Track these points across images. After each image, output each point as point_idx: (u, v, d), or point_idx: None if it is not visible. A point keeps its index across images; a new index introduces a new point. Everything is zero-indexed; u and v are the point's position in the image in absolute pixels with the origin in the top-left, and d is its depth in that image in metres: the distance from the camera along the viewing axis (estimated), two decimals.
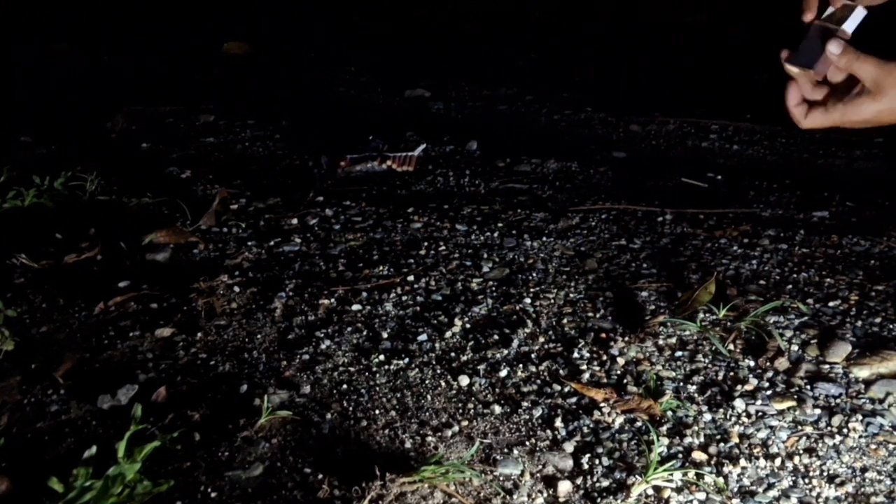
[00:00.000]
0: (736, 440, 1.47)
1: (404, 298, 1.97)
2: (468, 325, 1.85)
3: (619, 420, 1.52)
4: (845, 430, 1.49)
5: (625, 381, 1.64)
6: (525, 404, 1.57)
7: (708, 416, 1.53)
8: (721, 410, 1.55)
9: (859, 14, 1.01)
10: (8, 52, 4.92)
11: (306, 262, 2.16)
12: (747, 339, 1.79)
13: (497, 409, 1.55)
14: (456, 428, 1.49)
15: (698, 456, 1.42)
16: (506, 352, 1.74)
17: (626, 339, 1.78)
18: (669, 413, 1.54)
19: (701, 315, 1.87)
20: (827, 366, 1.70)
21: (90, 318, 1.87)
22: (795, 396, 1.59)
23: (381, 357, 1.71)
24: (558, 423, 1.51)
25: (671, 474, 1.36)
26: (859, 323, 1.85)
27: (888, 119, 1.00)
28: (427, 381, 1.64)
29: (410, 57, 4.97)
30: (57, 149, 3.15)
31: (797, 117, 1.05)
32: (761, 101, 3.74)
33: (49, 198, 2.50)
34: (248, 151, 3.21)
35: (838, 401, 1.58)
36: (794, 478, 1.38)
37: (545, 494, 1.34)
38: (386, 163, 2.95)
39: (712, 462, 1.41)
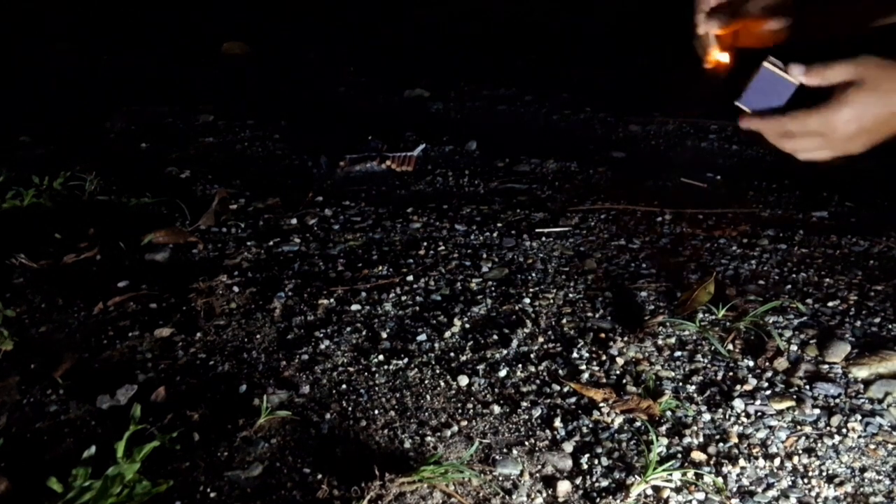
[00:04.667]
0: (735, 440, 1.47)
1: (403, 298, 1.97)
2: (467, 325, 1.85)
3: (619, 420, 1.52)
4: (844, 430, 1.49)
5: (624, 381, 1.64)
6: (524, 404, 1.57)
7: (707, 416, 1.53)
8: (720, 410, 1.55)
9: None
10: (8, 53, 4.92)
11: (305, 263, 2.16)
12: (746, 339, 1.79)
13: (496, 409, 1.55)
14: (455, 428, 1.49)
15: (697, 456, 1.43)
16: (505, 352, 1.74)
17: (626, 339, 1.78)
18: (668, 413, 1.54)
19: (700, 315, 1.87)
20: (826, 366, 1.70)
21: (89, 318, 1.87)
22: (794, 396, 1.59)
23: (381, 357, 1.71)
24: (557, 423, 1.51)
25: (670, 474, 1.36)
26: (858, 323, 1.85)
27: (877, 119, 0.94)
28: (426, 381, 1.64)
29: (410, 57, 4.97)
30: (56, 149, 3.15)
31: (790, 153, 1.01)
32: None
33: (48, 198, 2.49)
34: (247, 151, 3.21)
35: (837, 401, 1.58)
36: (793, 478, 1.38)
37: (544, 494, 1.34)
38: (385, 163, 2.95)
39: (711, 462, 1.41)
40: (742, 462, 1.41)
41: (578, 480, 1.37)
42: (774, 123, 0.99)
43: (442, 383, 1.63)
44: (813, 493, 1.34)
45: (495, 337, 1.80)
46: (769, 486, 1.36)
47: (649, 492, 1.34)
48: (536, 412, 1.54)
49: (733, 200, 2.64)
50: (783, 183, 2.79)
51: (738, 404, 1.56)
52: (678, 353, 1.74)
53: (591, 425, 1.51)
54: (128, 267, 2.13)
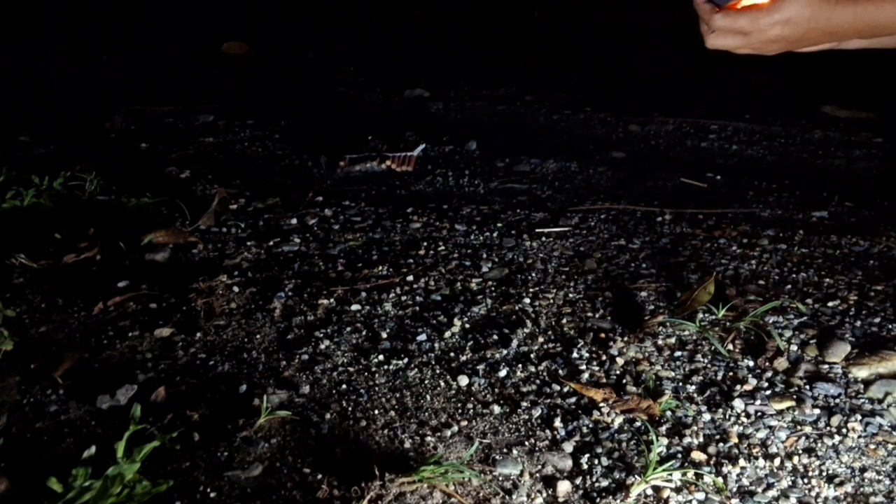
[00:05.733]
0: (735, 440, 1.47)
1: (403, 298, 1.97)
2: (467, 325, 1.85)
3: (619, 420, 1.52)
4: (844, 430, 1.49)
5: (624, 381, 1.64)
6: (524, 404, 1.57)
7: (707, 416, 1.53)
8: (720, 410, 1.55)
9: None
10: (8, 53, 4.92)
11: (305, 263, 2.16)
12: (746, 339, 1.79)
13: (496, 409, 1.55)
14: (455, 428, 1.49)
15: (697, 456, 1.43)
16: (505, 352, 1.74)
17: (626, 339, 1.78)
18: (668, 413, 1.54)
19: (700, 315, 1.87)
20: (826, 366, 1.70)
21: (89, 318, 1.87)
22: (794, 396, 1.59)
23: (381, 357, 1.71)
24: (557, 423, 1.51)
25: (670, 474, 1.36)
26: (858, 323, 1.85)
27: (802, 29, 0.99)
28: (426, 381, 1.64)
29: (410, 57, 4.97)
30: (56, 149, 3.15)
31: (704, 35, 1.06)
32: (760, 101, 3.74)
33: (48, 198, 2.49)
34: (247, 151, 3.21)
35: (837, 401, 1.58)
36: (793, 478, 1.38)
37: (544, 494, 1.34)
38: (385, 163, 2.95)
39: (711, 462, 1.41)
40: (742, 462, 1.41)
41: (578, 480, 1.37)
42: (707, 13, 1.05)
43: (442, 383, 1.63)
44: (813, 493, 1.34)
45: (495, 337, 1.80)
46: (769, 486, 1.36)
47: (649, 492, 1.34)
48: (536, 412, 1.54)
49: (733, 200, 2.64)
50: (783, 183, 2.79)
51: (738, 404, 1.56)
52: (678, 353, 1.74)
53: (591, 425, 1.51)
54: (128, 267, 2.13)
